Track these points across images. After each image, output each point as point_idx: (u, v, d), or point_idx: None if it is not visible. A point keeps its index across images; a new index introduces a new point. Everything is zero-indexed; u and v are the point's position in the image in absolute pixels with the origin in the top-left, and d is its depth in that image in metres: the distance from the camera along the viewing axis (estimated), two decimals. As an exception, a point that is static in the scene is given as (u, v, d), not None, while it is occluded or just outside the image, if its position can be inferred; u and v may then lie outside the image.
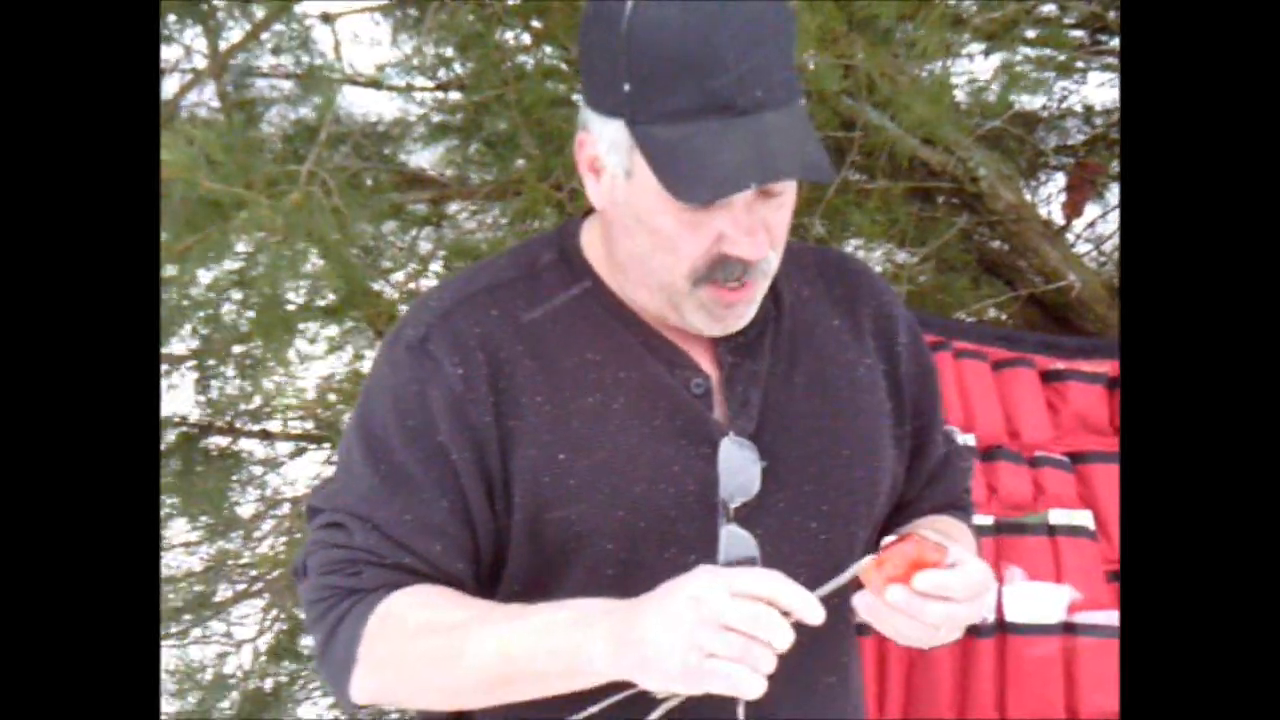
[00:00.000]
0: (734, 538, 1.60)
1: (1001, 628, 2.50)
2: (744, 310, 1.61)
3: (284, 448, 3.74)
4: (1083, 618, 2.51)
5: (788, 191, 1.57)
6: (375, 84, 3.31)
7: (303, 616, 1.68)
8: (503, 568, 1.63)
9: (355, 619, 1.56)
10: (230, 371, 3.46)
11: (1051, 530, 2.57)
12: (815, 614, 1.41)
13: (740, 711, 1.54)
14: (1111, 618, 2.52)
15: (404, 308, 2.73)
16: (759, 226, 1.54)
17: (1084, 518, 2.60)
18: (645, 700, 1.46)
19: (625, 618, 1.44)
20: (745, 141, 1.48)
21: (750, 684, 1.38)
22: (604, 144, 1.56)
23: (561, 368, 1.61)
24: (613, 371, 1.62)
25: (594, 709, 1.49)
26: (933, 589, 1.47)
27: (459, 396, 1.58)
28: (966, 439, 2.59)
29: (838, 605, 1.56)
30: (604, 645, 1.44)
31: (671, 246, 1.56)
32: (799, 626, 1.41)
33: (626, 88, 1.52)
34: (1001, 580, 2.51)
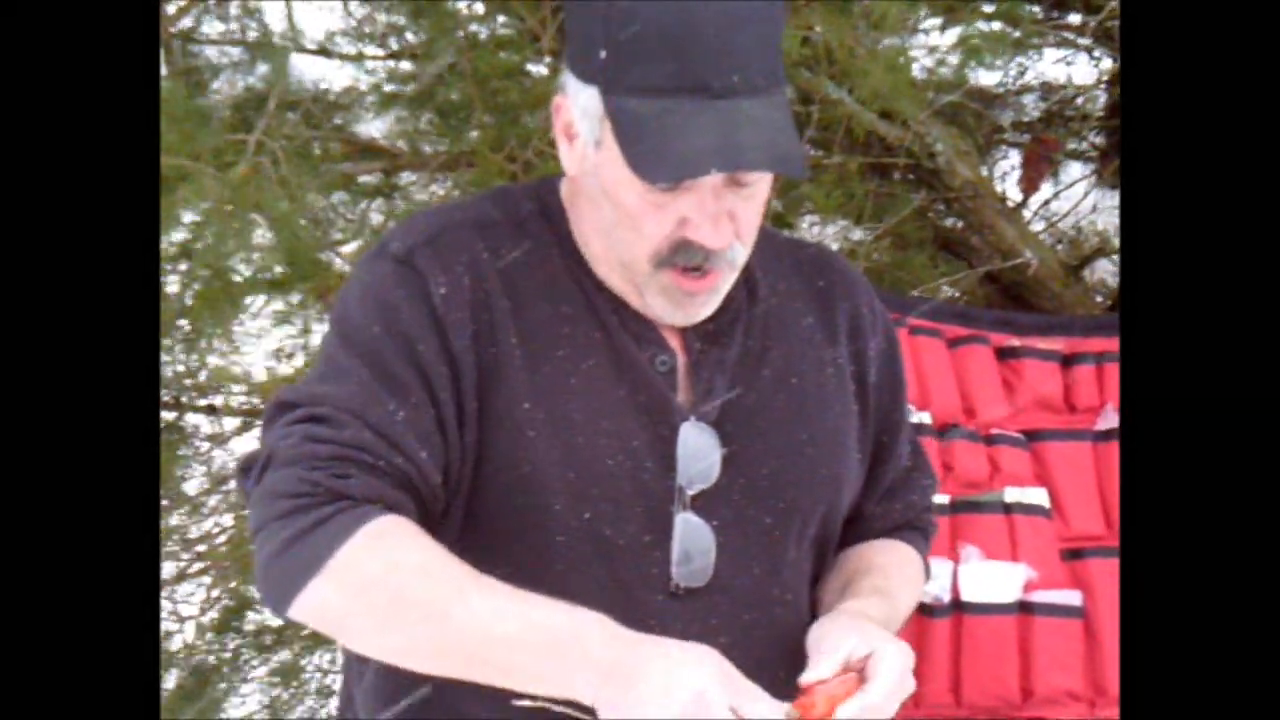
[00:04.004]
0: (689, 526, 1.58)
1: (957, 607, 2.49)
2: (707, 299, 1.59)
3: (230, 423, 3.68)
4: (1038, 596, 2.51)
5: (759, 183, 1.54)
6: (325, 52, 3.26)
7: (252, 522, 1.53)
8: (445, 514, 1.57)
9: (341, 526, 1.45)
10: (176, 346, 3.41)
11: (1007, 509, 2.56)
12: None
13: None
14: (1067, 597, 2.52)
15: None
16: (724, 215, 1.52)
17: (1039, 496, 2.59)
18: None
19: (622, 667, 1.40)
20: (715, 126, 1.45)
21: None
22: (578, 110, 1.54)
23: (537, 315, 1.58)
24: (586, 330, 1.60)
25: None
26: (859, 713, 1.47)
27: (440, 316, 1.54)
28: (922, 416, 2.58)
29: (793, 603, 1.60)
30: (593, 676, 1.40)
31: (635, 225, 1.53)
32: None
33: (603, 55, 1.49)
34: (957, 559, 2.50)
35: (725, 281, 1.59)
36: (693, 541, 1.58)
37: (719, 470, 1.59)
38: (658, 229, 1.53)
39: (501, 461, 1.54)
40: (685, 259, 1.54)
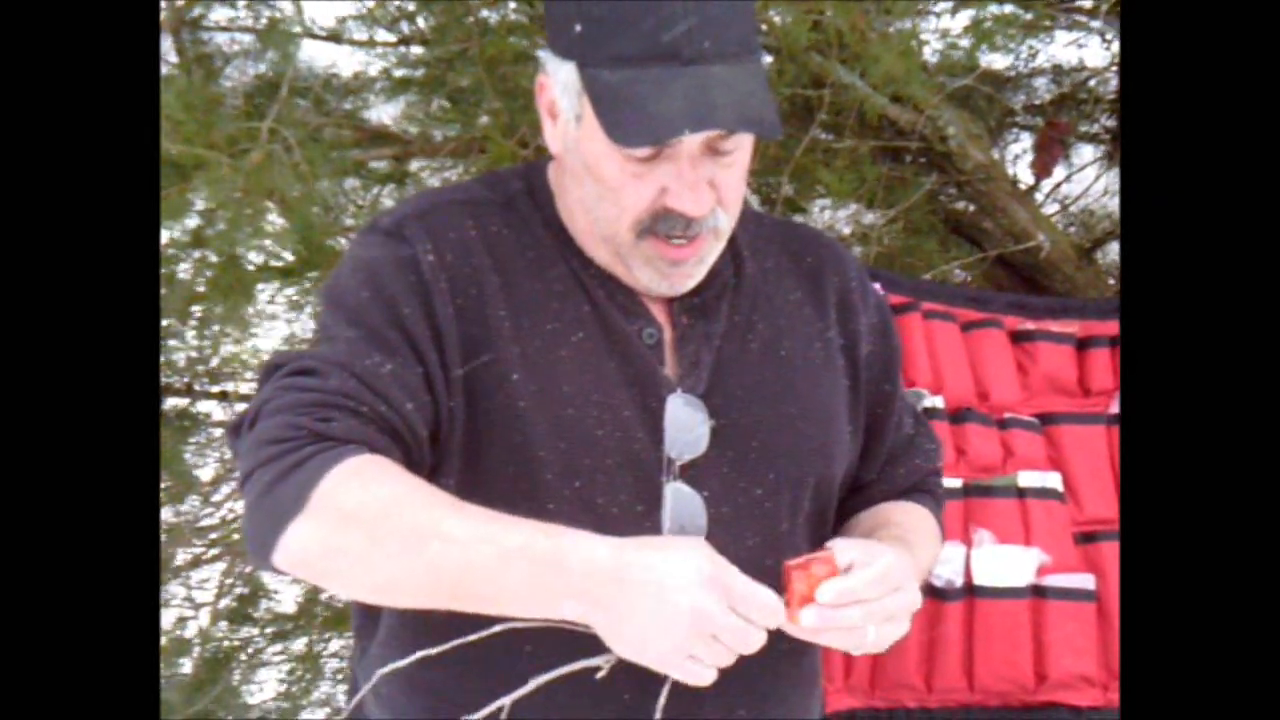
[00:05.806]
0: (680, 495, 1.60)
1: (970, 591, 2.49)
2: (692, 269, 1.61)
3: (243, 409, 3.67)
4: (1051, 580, 2.51)
5: (738, 150, 1.56)
6: (335, 37, 3.26)
7: (240, 471, 1.54)
8: (436, 476, 1.57)
9: (319, 465, 1.44)
10: (188, 332, 3.41)
11: (1020, 493, 2.56)
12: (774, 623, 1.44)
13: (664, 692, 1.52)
14: (1080, 580, 2.51)
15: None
16: (703, 182, 1.54)
17: (1053, 480, 2.59)
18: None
19: (609, 585, 1.40)
20: (685, 90, 1.48)
21: (710, 678, 1.42)
22: (558, 86, 1.57)
23: (526, 290, 1.61)
24: (575, 304, 1.62)
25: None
26: (836, 598, 1.47)
27: (427, 282, 1.57)
28: (935, 401, 2.58)
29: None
30: (579, 602, 1.40)
31: (616, 197, 1.56)
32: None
33: (578, 28, 1.52)
34: (970, 543, 2.50)
35: (711, 250, 1.61)
36: (684, 510, 1.59)
37: (707, 442, 1.61)
38: (638, 199, 1.55)
39: (494, 431, 1.56)
40: (666, 228, 1.56)
